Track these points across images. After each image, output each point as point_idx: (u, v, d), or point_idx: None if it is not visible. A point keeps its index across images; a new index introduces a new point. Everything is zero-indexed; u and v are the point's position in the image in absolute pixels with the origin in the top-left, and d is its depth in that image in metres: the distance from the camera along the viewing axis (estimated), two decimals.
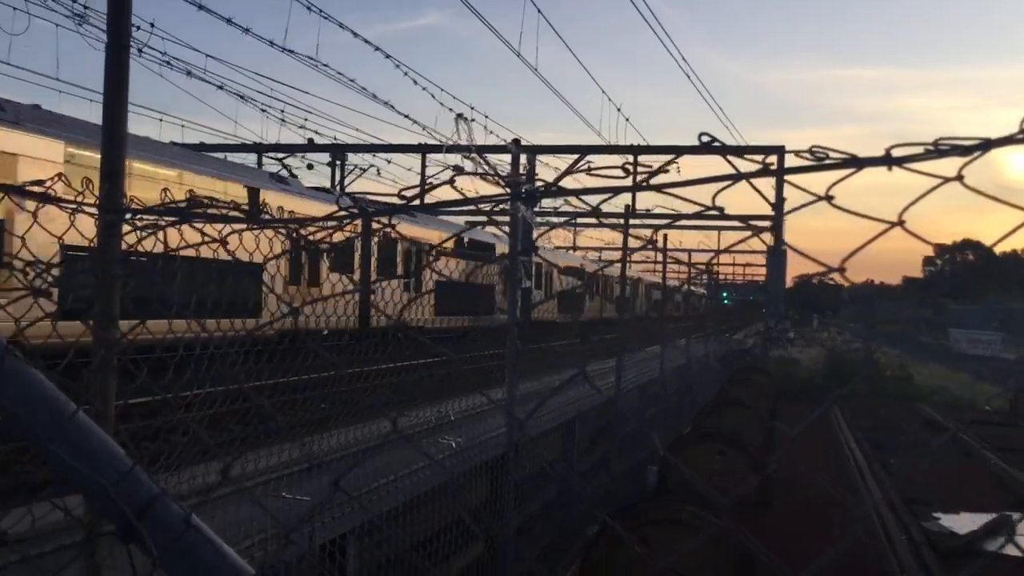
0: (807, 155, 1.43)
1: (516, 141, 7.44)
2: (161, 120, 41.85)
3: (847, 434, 18.17)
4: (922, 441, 17.09)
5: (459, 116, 12.63)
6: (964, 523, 10.78)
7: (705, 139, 1.53)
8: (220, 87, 20.76)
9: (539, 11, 23.57)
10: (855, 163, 1.37)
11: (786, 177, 1.48)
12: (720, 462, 12.39)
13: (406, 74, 19.30)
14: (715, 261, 44.26)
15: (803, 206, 1.46)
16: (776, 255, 33.15)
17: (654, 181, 1.85)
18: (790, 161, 1.50)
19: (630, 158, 26.72)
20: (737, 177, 1.64)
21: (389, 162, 32.96)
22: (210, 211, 1.47)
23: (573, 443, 10.14)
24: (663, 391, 14.92)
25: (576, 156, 32.49)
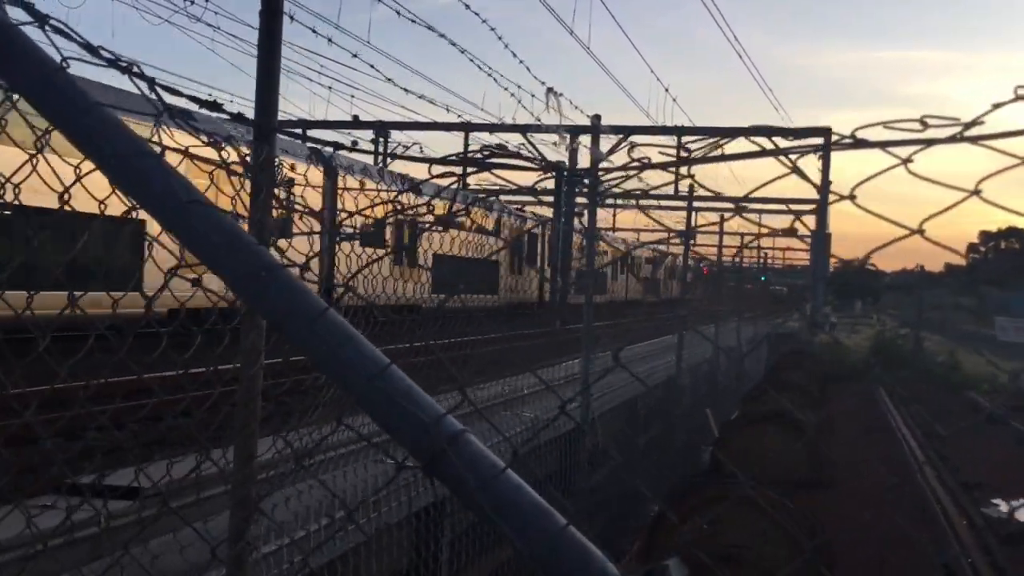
0: (849, 139, 1.46)
1: (597, 117, 7.46)
2: (210, 95, 42.01)
3: (897, 419, 18.09)
4: (975, 428, 16.94)
5: (549, 90, 12.62)
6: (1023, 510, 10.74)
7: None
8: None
9: None
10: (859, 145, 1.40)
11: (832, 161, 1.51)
12: (775, 443, 12.42)
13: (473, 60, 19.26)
14: (757, 243, 43.99)
15: (877, 174, 1.45)
16: (819, 239, 32.97)
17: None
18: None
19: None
20: (777, 152, 1.68)
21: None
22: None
23: (637, 421, 10.22)
24: (715, 371, 14.94)
25: (619, 136, 32.36)
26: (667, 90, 33.62)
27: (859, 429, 15.44)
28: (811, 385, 17.99)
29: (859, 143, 1.29)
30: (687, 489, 9.54)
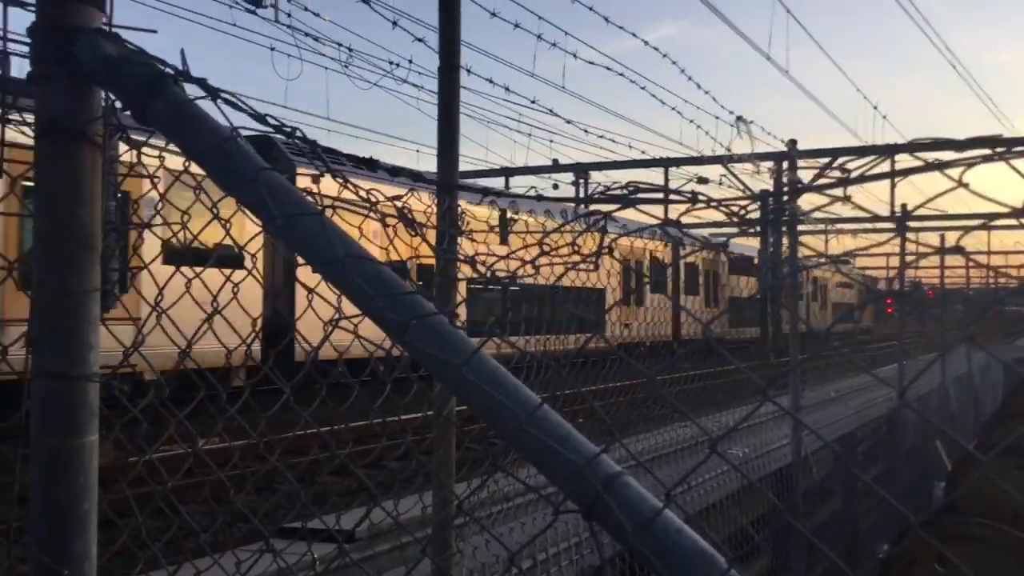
0: None
1: (792, 142, 7.23)
2: (418, 151, 44.22)
3: None
4: None
5: (739, 118, 12.47)
6: None
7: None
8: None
9: (788, 11, 22.86)
10: None
11: None
12: (1018, 477, 11.41)
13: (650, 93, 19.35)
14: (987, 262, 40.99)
15: None
16: None
17: (918, 178, 1.71)
18: None
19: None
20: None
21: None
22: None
23: (855, 456, 9.68)
24: (945, 401, 13.95)
25: (828, 159, 31.12)
26: (875, 108, 32.17)
27: None
28: None
29: None
30: (919, 528, 8.90)
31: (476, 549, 3.56)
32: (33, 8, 1.67)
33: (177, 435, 2.16)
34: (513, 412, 1.26)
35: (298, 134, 1.51)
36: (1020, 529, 8.33)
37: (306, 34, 15.91)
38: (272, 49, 16.20)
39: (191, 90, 1.60)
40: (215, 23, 24.17)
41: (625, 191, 1.44)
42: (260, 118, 1.55)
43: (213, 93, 1.56)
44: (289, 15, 15.61)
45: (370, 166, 1.60)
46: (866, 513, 9.29)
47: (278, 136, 1.53)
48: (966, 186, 1.17)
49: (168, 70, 1.59)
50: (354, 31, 62.72)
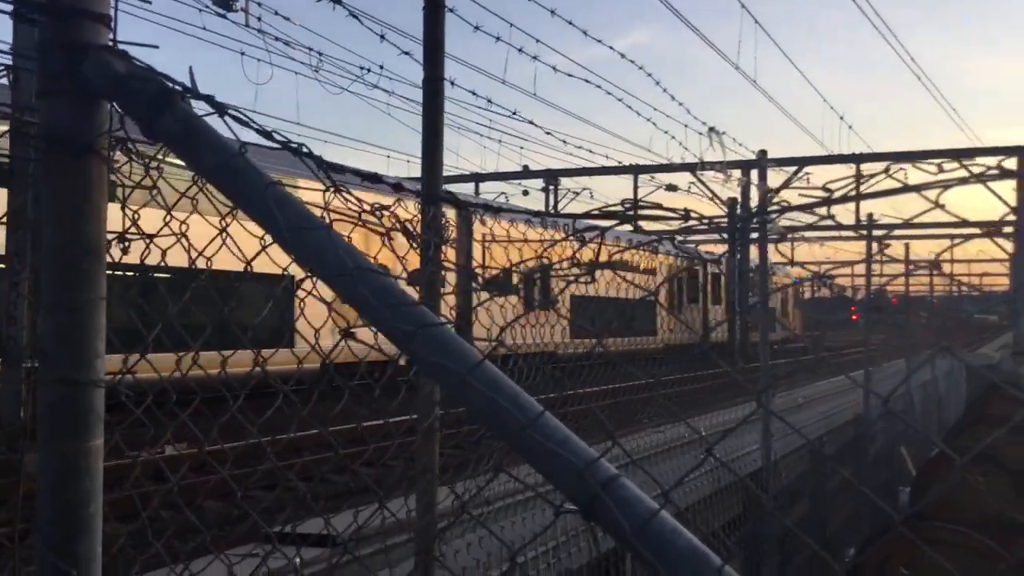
0: None
1: (763, 152, 7.38)
2: (389, 157, 44.23)
3: None
4: None
5: (711, 129, 12.59)
6: None
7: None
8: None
9: (756, 21, 23.12)
10: None
11: None
12: (983, 484, 11.62)
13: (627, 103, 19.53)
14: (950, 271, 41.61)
15: None
16: (1020, 261, 31.08)
17: (880, 188, 1.78)
18: None
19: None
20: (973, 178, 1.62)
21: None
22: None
23: (823, 462, 9.83)
24: (910, 407, 14.17)
25: (795, 168, 31.62)
26: (842, 118, 32.57)
27: None
28: (1017, 419, 16.75)
29: None
30: (885, 533, 9.06)
31: (457, 553, 3.61)
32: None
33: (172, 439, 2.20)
34: (515, 416, 1.33)
35: (304, 150, 1.57)
36: (986, 533, 8.49)
37: (276, 38, 15.86)
38: (242, 53, 16.15)
39: (198, 106, 1.65)
40: (184, 26, 23.98)
41: (622, 207, 1.52)
42: (267, 134, 1.60)
43: (220, 109, 1.61)
44: (259, 19, 15.55)
45: (373, 180, 1.67)
46: (833, 517, 9.44)
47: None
48: (943, 207, 1.25)
49: (175, 87, 1.64)
50: (325, 36, 62.64)
